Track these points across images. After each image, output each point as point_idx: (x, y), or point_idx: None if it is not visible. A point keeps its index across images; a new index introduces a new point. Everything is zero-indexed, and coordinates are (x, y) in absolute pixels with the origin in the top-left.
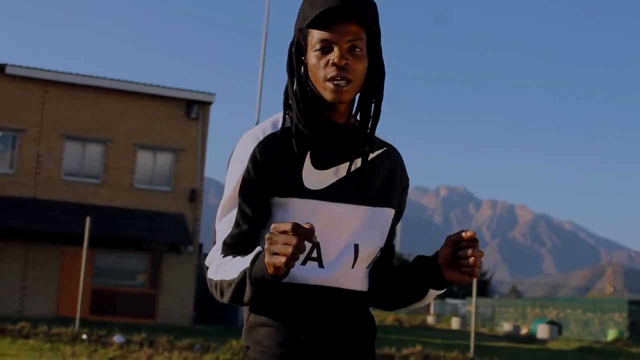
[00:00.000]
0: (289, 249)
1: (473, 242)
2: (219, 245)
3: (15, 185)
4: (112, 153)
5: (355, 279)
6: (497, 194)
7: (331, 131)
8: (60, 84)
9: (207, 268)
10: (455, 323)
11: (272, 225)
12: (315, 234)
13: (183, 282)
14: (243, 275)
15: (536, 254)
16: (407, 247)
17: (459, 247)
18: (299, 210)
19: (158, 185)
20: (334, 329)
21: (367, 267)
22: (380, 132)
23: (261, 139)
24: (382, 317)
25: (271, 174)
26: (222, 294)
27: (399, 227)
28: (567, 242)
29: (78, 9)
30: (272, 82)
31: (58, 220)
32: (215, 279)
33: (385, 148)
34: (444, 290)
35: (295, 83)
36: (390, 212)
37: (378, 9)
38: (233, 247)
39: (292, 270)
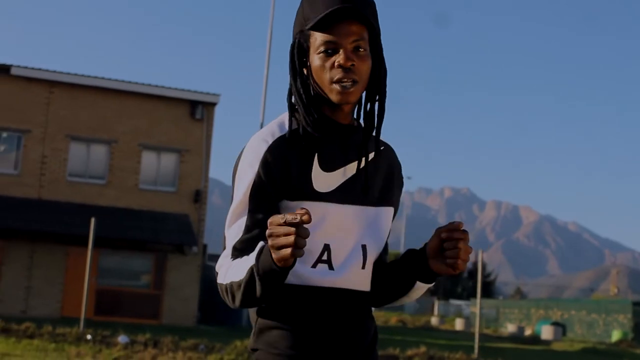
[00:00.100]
0: (291, 238)
1: (461, 234)
2: (228, 251)
3: (20, 186)
4: (116, 154)
5: (364, 280)
6: (501, 195)
7: (337, 132)
8: (65, 84)
9: (217, 274)
10: (459, 324)
11: (268, 221)
12: (325, 236)
13: (187, 282)
14: (251, 273)
15: (540, 255)
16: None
17: (446, 239)
18: None
19: (162, 186)
20: (345, 329)
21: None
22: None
23: (271, 142)
24: (386, 318)
25: (283, 178)
26: (233, 297)
27: (402, 228)
28: (571, 243)
29: (81, 9)
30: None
31: (63, 220)
32: (224, 283)
33: (382, 147)
34: (432, 284)
35: (299, 85)
36: (391, 211)
37: (376, 6)
38: (243, 251)
39: (302, 272)
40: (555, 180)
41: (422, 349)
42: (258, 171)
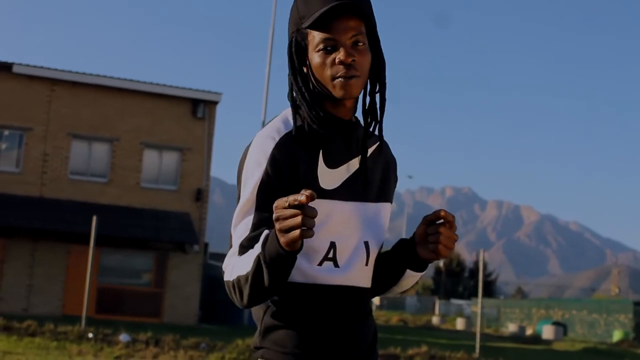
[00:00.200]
0: (299, 219)
1: (446, 220)
2: (235, 249)
3: (21, 184)
4: (118, 152)
5: (367, 277)
6: (503, 195)
7: (340, 129)
8: (66, 82)
9: (224, 273)
10: (460, 323)
11: (274, 205)
12: (331, 234)
13: (189, 281)
14: (257, 262)
15: (542, 254)
16: None
17: (429, 224)
18: None
19: (164, 184)
20: (350, 328)
21: None
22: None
23: (278, 139)
24: (387, 317)
25: (290, 175)
26: (241, 293)
27: (403, 226)
28: (572, 243)
29: (83, 7)
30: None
31: (64, 219)
32: (231, 279)
33: (378, 142)
34: (422, 273)
35: (300, 83)
36: (389, 207)
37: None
38: (250, 249)
39: (309, 271)
40: (556, 180)
41: (423, 348)
42: (266, 168)
